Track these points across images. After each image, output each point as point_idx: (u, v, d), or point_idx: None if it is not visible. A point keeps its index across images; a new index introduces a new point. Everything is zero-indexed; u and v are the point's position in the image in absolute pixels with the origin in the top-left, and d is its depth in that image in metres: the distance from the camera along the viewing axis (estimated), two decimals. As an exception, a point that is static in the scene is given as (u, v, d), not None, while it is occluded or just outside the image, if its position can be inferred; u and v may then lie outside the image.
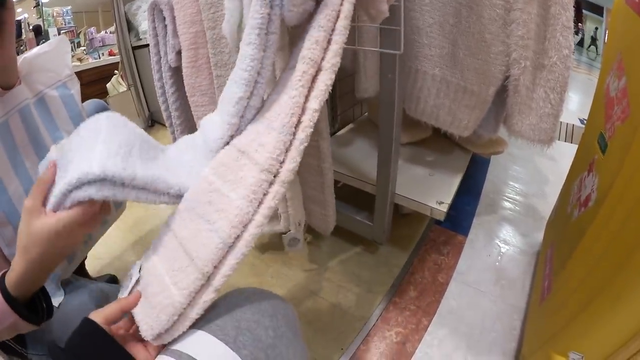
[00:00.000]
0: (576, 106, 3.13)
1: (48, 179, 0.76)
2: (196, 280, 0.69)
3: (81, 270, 1.62)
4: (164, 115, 1.58)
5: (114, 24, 3.11)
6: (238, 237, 0.71)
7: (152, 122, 3.48)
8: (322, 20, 0.77)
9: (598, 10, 4.62)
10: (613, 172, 0.94)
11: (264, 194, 0.74)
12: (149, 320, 0.71)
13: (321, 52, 0.77)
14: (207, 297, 0.70)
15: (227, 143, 0.84)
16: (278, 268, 1.82)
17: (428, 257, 1.85)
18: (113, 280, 1.79)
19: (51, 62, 1.15)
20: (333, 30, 0.77)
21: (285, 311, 0.81)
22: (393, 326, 1.55)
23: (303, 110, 0.76)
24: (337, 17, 0.77)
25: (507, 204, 2.19)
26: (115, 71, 3.26)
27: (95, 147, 0.77)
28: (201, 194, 0.79)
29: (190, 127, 1.55)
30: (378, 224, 1.53)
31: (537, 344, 1.20)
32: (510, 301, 1.63)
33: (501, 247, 1.89)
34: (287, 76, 0.81)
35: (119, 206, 1.39)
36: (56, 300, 1.08)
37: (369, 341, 1.50)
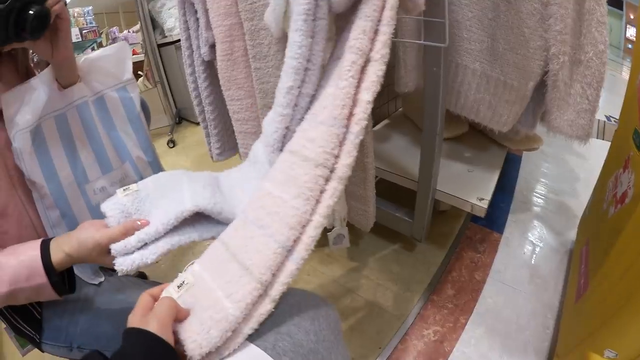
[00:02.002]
0: (602, 103, 3.10)
1: (129, 230, 0.81)
2: (253, 291, 0.65)
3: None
4: (197, 110, 1.56)
5: (139, 22, 3.11)
6: (296, 240, 0.68)
7: (179, 119, 3.49)
8: (368, 10, 0.74)
9: (618, 3, 4.57)
10: None
11: (321, 192, 0.71)
12: (197, 337, 0.62)
13: (369, 43, 0.74)
14: (264, 309, 0.66)
15: (284, 136, 0.82)
16: (315, 265, 1.81)
17: (465, 254, 1.83)
18: (142, 276, 1.79)
19: (112, 65, 1.17)
20: (380, 20, 0.74)
21: (326, 313, 0.77)
22: (431, 325, 1.53)
23: (354, 102, 0.73)
24: (383, 7, 0.74)
25: (539, 202, 2.17)
26: (140, 72, 3.25)
27: (182, 192, 0.82)
28: (254, 201, 0.77)
29: (224, 121, 1.54)
30: (418, 220, 1.51)
31: (573, 342, 1.19)
32: (544, 299, 1.61)
33: (535, 245, 1.87)
34: (333, 67, 0.78)
35: None
36: (97, 279, 1.10)
37: (406, 340, 1.49)
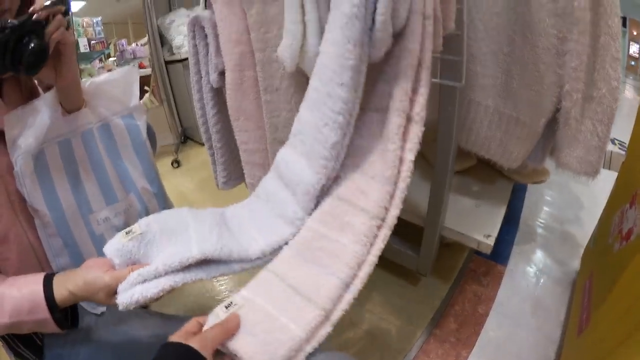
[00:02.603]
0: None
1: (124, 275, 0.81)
2: (317, 317, 0.72)
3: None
4: (204, 137, 1.53)
5: (147, 37, 3.10)
6: (354, 277, 0.79)
7: (184, 138, 3.47)
8: (407, 69, 0.80)
9: (621, 21, 4.57)
10: None
11: (374, 237, 0.81)
12: (259, 350, 0.68)
13: (408, 102, 0.82)
14: (325, 331, 0.73)
15: (324, 185, 0.88)
16: (317, 298, 1.77)
17: (468, 287, 1.81)
18: (144, 306, 1.76)
19: (119, 90, 1.17)
20: (418, 80, 0.81)
21: None
22: (433, 358, 1.52)
23: (401, 161, 0.83)
24: (419, 65, 0.80)
25: (543, 232, 2.16)
26: (146, 87, 3.24)
27: (188, 237, 0.84)
28: (309, 242, 0.85)
29: (231, 150, 1.51)
30: (425, 255, 1.50)
31: None
32: (546, 332, 1.60)
33: (539, 277, 1.86)
34: (373, 122, 0.87)
35: None
36: (99, 309, 1.09)
37: (409, 374, 1.47)
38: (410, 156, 0.83)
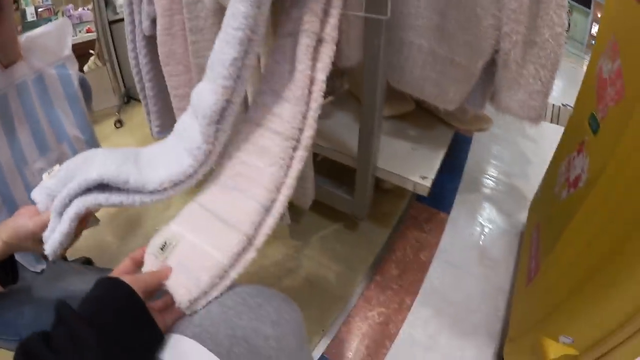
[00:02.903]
0: (560, 92, 3.13)
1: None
2: (240, 243, 0.74)
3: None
4: (138, 87, 1.52)
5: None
6: (274, 200, 0.81)
7: (127, 98, 3.38)
8: None
9: (586, 2, 4.70)
10: (606, 153, 0.94)
11: (291, 159, 0.84)
12: (187, 283, 0.69)
13: (320, 24, 0.84)
14: (249, 255, 0.75)
15: (223, 108, 0.82)
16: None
17: (409, 234, 1.81)
18: (88, 261, 1.75)
19: (52, 42, 1.18)
20: (330, 1, 0.84)
21: (290, 316, 0.72)
22: (375, 306, 1.51)
23: (311, 81, 0.85)
24: None
25: (489, 183, 2.17)
26: (91, 51, 3.16)
27: (93, 163, 0.82)
28: (228, 169, 0.86)
29: (163, 98, 1.50)
30: (359, 198, 1.49)
31: (526, 326, 1.18)
32: (494, 282, 1.61)
33: (484, 226, 1.87)
34: (285, 45, 0.88)
35: None
36: (38, 267, 1.08)
37: (350, 322, 1.47)
38: (321, 76, 0.85)
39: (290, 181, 0.83)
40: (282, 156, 0.82)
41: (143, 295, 0.63)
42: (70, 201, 0.77)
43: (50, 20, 3.33)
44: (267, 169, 0.82)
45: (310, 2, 0.81)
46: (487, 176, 2.22)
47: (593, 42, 4.70)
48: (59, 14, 3.46)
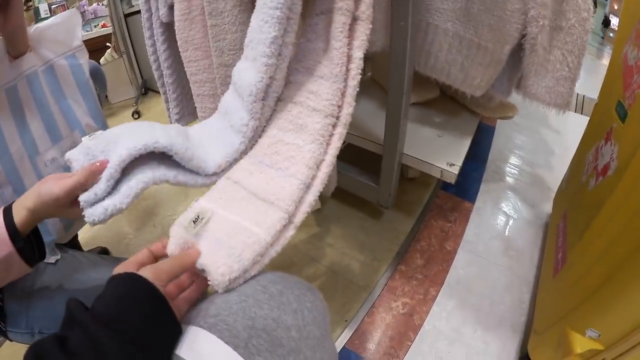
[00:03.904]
0: (580, 84, 3.11)
1: (97, 169, 0.73)
2: (281, 219, 0.73)
3: (72, 242, 1.55)
4: (156, 75, 1.50)
5: (106, -8, 3.02)
6: (314, 177, 0.81)
7: (145, 90, 3.39)
8: None
9: None
10: (635, 140, 0.91)
11: (330, 136, 0.85)
12: (228, 261, 0.66)
13: (353, 1, 0.84)
14: (289, 233, 0.74)
15: (268, 85, 0.86)
16: (276, 232, 1.73)
17: (434, 223, 1.78)
18: (104, 251, 1.74)
19: (62, 34, 1.18)
20: None
21: (313, 304, 0.67)
22: (399, 296, 1.48)
23: (349, 58, 0.85)
24: None
25: (513, 173, 2.13)
26: (108, 44, 3.17)
27: (153, 129, 0.79)
28: (265, 147, 0.86)
29: (182, 85, 1.48)
30: (384, 186, 1.46)
31: (552, 319, 1.15)
32: (519, 273, 1.58)
33: (509, 216, 1.84)
34: (319, 23, 0.88)
35: None
36: (53, 258, 1.06)
37: (374, 313, 1.44)
38: (358, 53, 0.85)
39: (330, 158, 0.83)
40: (322, 133, 0.83)
41: (164, 286, 0.59)
42: (135, 170, 0.75)
43: (65, 16, 3.35)
44: (307, 147, 0.82)
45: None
46: (511, 166, 2.19)
47: (611, 34, 4.69)
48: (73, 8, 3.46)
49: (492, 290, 1.51)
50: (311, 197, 0.80)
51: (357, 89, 0.86)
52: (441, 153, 1.48)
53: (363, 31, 0.86)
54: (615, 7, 4.76)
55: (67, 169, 1.09)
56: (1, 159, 0.98)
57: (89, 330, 0.48)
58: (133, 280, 0.57)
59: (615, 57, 1.31)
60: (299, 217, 0.77)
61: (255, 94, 0.84)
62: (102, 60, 3.15)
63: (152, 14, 1.35)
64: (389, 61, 1.21)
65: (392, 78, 1.21)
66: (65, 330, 0.51)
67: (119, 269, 0.60)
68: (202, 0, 1.16)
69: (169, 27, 1.34)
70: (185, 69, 1.34)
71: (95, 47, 3.15)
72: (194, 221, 0.73)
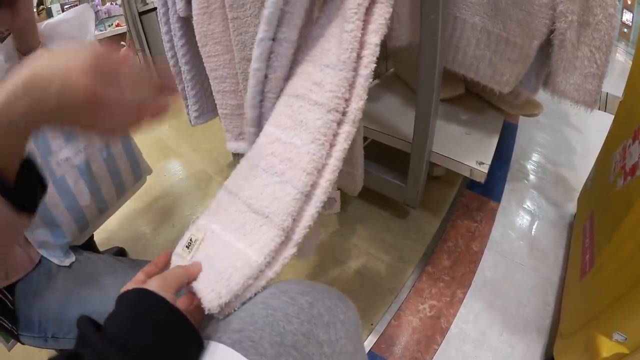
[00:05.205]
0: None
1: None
2: (275, 238, 0.66)
3: (88, 243, 1.53)
4: (173, 71, 1.48)
5: (120, -10, 3.02)
6: (314, 185, 0.71)
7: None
8: None
9: None
10: None
11: (334, 135, 0.73)
12: (216, 286, 0.61)
13: None
14: (288, 252, 0.67)
15: (268, 58, 0.79)
16: (300, 232, 1.71)
17: (461, 223, 1.76)
18: (121, 252, 1.72)
19: (74, 29, 1.16)
20: None
21: (345, 315, 0.64)
22: (427, 299, 1.45)
23: (362, 44, 0.73)
24: None
25: (537, 172, 2.11)
26: (122, 42, 3.16)
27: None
28: (261, 148, 0.77)
29: (201, 81, 1.46)
30: (412, 184, 1.43)
31: (579, 322, 1.12)
32: (544, 274, 1.55)
33: (534, 216, 1.81)
34: (330, 7, 0.78)
35: (140, 177, 1.37)
36: (67, 260, 1.04)
37: (400, 316, 1.41)
38: (374, 39, 0.73)
39: (335, 162, 0.73)
40: (324, 132, 0.72)
41: (174, 293, 0.57)
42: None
43: (77, 17, 3.35)
44: (305, 147, 0.72)
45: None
46: (534, 164, 2.16)
47: (625, 30, 4.67)
48: (86, 8, 3.47)
49: (518, 292, 1.48)
50: (312, 209, 0.70)
51: (370, 80, 0.74)
52: (470, 151, 1.45)
53: (382, 14, 0.73)
54: (629, 2, 4.75)
55: (80, 169, 1.10)
56: None
57: (97, 351, 0.45)
58: (142, 296, 0.55)
59: (639, 54, 1.30)
60: (299, 233, 0.69)
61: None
62: (115, 60, 3.13)
63: (168, 8, 1.33)
64: (414, 56, 1.17)
65: (421, 74, 1.17)
66: (79, 347, 0.48)
67: (129, 285, 0.59)
68: (222, -8, 1.13)
69: (186, 22, 1.32)
70: (205, 64, 1.31)
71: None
72: (187, 246, 0.71)
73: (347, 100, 0.74)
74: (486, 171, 1.37)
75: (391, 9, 0.73)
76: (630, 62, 1.30)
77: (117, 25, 3.44)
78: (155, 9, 2.80)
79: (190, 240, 0.70)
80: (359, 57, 0.73)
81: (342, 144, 0.73)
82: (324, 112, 0.72)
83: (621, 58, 4.57)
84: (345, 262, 1.60)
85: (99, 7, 3.49)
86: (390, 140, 1.52)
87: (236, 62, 1.21)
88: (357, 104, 0.73)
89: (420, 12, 1.08)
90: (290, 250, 0.68)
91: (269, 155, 0.75)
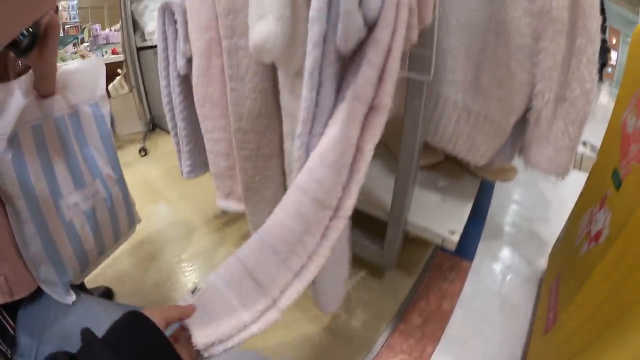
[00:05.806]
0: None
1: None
2: (264, 303, 0.79)
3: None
4: (169, 125, 1.52)
5: (120, 22, 3.05)
6: (304, 267, 0.82)
7: (153, 126, 3.43)
8: (372, 56, 0.77)
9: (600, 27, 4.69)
10: (627, 210, 0.93)
11: (326, 228, 0.83)
12: (206, 328, 0.75)
13: (372, 91, 0.79)
14: (272, 316, 0.79)
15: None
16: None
17: (434, 283, 1.81)
18: (108, 292, 1.76)
19: (87, 80, 1.18)
20: (385, 68, 0.78)
21: None
22: (397, 353, 1.51)
23: (358, 149, 0.82)
24: (388, 54, 0.77)
25: (511, 229, 2.17)
26: (119, 70, 3.19)
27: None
28: (271, 227, 0.84)
29: (196, 138, 1.50)
30: (389, 250, 1.49)
31: None
32: (513, 329, 1.60)
33: (505, 274, 1.87)
34: (338, 110, 0.83)
35: (132, 225, 1.38)
36: (69, 299, 1.08)
37: (372, 369, 1.46)
38: (370, 146, 0.83)
39: (324, 251, 0.83)
40: (317, 226, 0.82)
41: (163, 322, 0.71)
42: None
43: (76, 37, 3.39)
44: (301, 237, 0.82)
45: (365, 68, 0.77)
46: (509, 221, 2.23)
47: (610, 70, 4.70)
48: (85, 31, 3.51)
49: (486, 347, 1.53)
50: (300, 285, 0.82)
51: (362, 181, 0.84)
52: (443, 219, 1.51)
53: (378, 123, 0.82)
54: (614, 42, 4.78)
55: (87, 214, 1.13)
56: (26, 196, 0.97)
57: (93, 348, 0.64)
58: (135, 316, 0.70)
59: (614, 122, 1.33)
60: (284, 302, 0.80)
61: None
62: (110, 88, 3.16)
63: (169, 63, 1.36)
64: (396, 124, 1.20)
65: (402, 152, 1.23)
66: (78, 351, 0.65)
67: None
68: (222, 59, 1.16)
69: (186, 79, 1.36)
70: (201, 124, 1.35)
71: (107, 75, 3.15)
72: (192, 292, 0.84)
73: (340, 199, 0.83)
74: (457, 240, 1.42)
75: (386, 115, 0.83)
76: (613, 105, 1.33)
77: (113, 52, 3.45)
78: (153, 46, 2.85)
79: (196, 288, 0.82)
80: (355, 160, 0.83)
81: (332, 236, 0.83)
82: (319, 209, 0.81)
83: (604, 100, 4.61)
84: (321, 318, 1.65)
85: (98, 32, 3.52)
86: (369, 208, 1.56)
87: (232, 130, 1.24)
88: (349, 201, 0.83)
89: (405, 97, 1.14)
90: (275, 314, 0.79)
91: (274, 236, 0.83)
